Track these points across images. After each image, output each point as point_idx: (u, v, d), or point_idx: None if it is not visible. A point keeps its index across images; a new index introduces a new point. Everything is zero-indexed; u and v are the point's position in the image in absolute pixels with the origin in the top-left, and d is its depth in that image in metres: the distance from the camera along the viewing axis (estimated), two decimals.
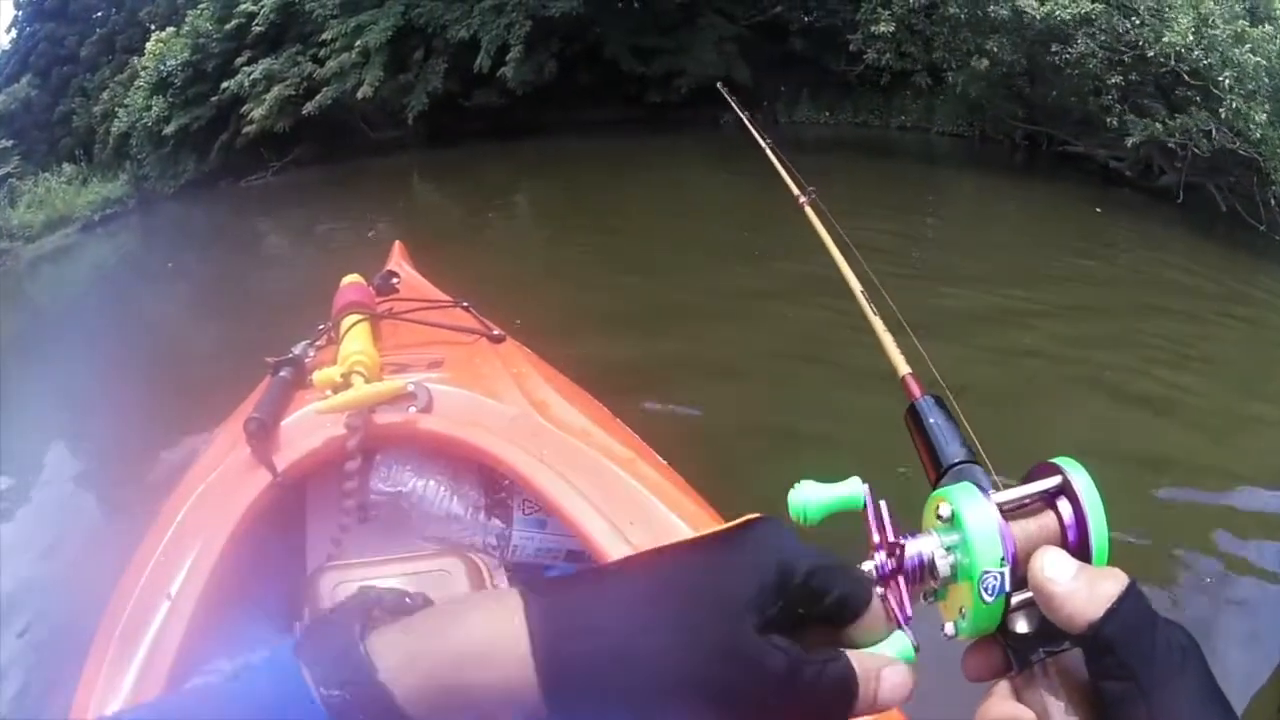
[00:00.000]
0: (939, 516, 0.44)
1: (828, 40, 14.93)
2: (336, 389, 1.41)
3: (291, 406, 1.45)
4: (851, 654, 0.43)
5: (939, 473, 0.55)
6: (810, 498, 0.47)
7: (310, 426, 1.41)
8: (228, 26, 15.05)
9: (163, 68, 15.16)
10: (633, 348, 4.73)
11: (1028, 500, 0.46)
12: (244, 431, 1.36)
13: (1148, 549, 3.00)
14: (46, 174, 15.41)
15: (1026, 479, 0.47)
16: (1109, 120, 9.07)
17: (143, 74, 15.57)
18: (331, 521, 1.41)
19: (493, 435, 1.41)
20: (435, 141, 15.35)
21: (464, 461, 1.48)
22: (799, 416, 4.00)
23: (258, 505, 1.33)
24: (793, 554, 0.43)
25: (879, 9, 11.79)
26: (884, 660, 0.43)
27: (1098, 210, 8.56)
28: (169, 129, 15.15)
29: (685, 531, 1.22)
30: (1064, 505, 0.45)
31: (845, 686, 0.42)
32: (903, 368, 0.76)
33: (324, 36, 14.80)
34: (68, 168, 16.14)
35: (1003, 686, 0.46)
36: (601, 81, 16.06)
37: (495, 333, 1.75)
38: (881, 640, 0.44)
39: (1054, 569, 0.42)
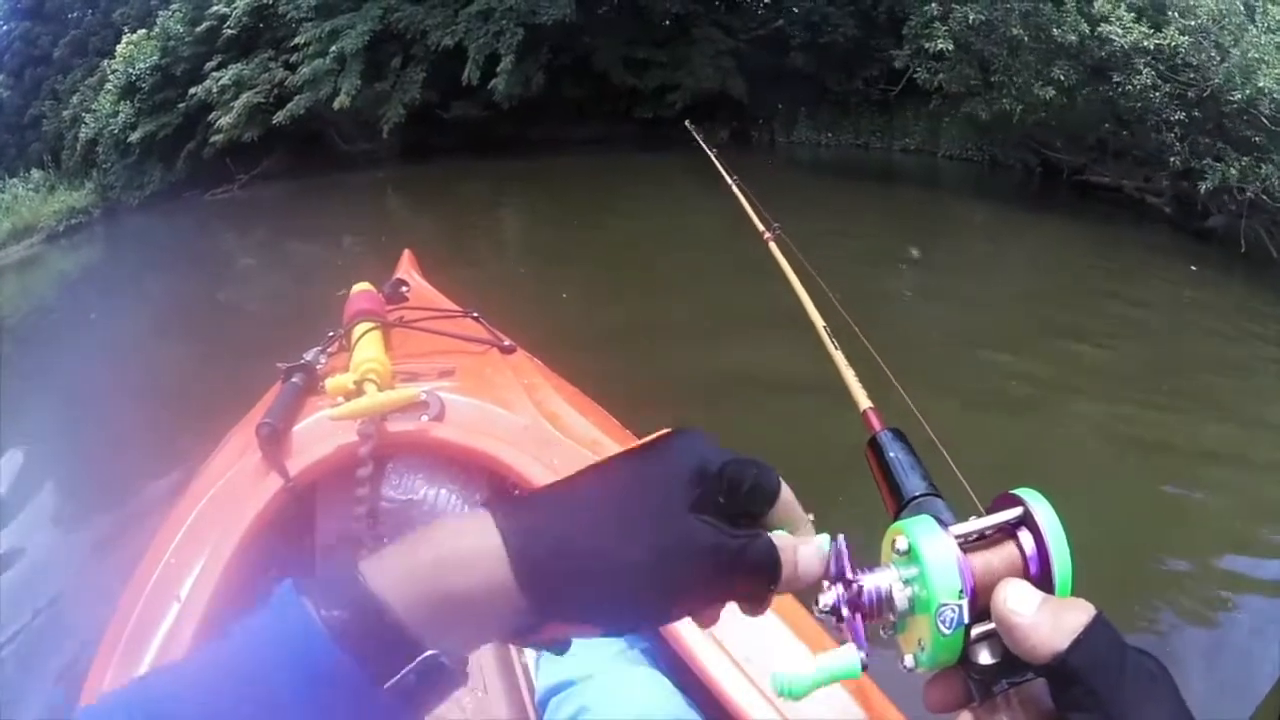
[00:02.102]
0: (896, 550, 0.47)
1: (831, 57, 15.11)
2: (349, 396, 1.48)
3: (303, 412, 1.52)
4: (772, 535, 0.51)
5: (899, 505, 0.58)
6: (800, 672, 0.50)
7: (322, 433, 1.48)
8: (199, 29, 15.02)
9: (131, 71, 15.14)
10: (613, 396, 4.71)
11: (988, 532, 0.48)
12: (256, 436, 1.43)
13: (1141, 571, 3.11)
14: (14, 180, 15.42)
15: (989, 510, 0.49)
16: (1171, 160, 8.90)
17: (111, 77, 15.53)
18: (342, 528, 1.48)
19: (504, 445, 1.48)
20: (410, 156, 15.25)
21: (475, 470, 1.55)
22: (770, 439, 4.02)
23: (269, 510, 1.40)
24: (708, 452, 0.52)
25: (935, 23, 11.05)
26: (800, 540, 0.51)
27: (1193, 268, 8.05)
28: (134, 136, 15.10)
29: None
30: (1025, 536, 0.47)
31: (768, 559, 0.49)
32: (863, 402, 0.81)
33: (297, 40, 14.69)
34: (36, 174, 16.14)
35: (965, 717, 0.47)
36: (589, 95, 16.12)
37: (506, 343, 1.82)
38: (800, 528, 0.52)
39: (1017, 601, 0.44)
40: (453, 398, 1.55)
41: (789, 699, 0.49)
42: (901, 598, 0.46)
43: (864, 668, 0.47)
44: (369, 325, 1.63)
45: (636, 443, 0.54)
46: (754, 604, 0.52)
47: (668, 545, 0.48)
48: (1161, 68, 8.71)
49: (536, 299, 6.51)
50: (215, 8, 14.99)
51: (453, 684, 0.49)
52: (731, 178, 2.07)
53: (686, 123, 3.78)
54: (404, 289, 2.17)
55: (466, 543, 0.48)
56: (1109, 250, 8.70)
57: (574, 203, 11.18)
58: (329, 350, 1.73)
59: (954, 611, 0.44)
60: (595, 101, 16.25)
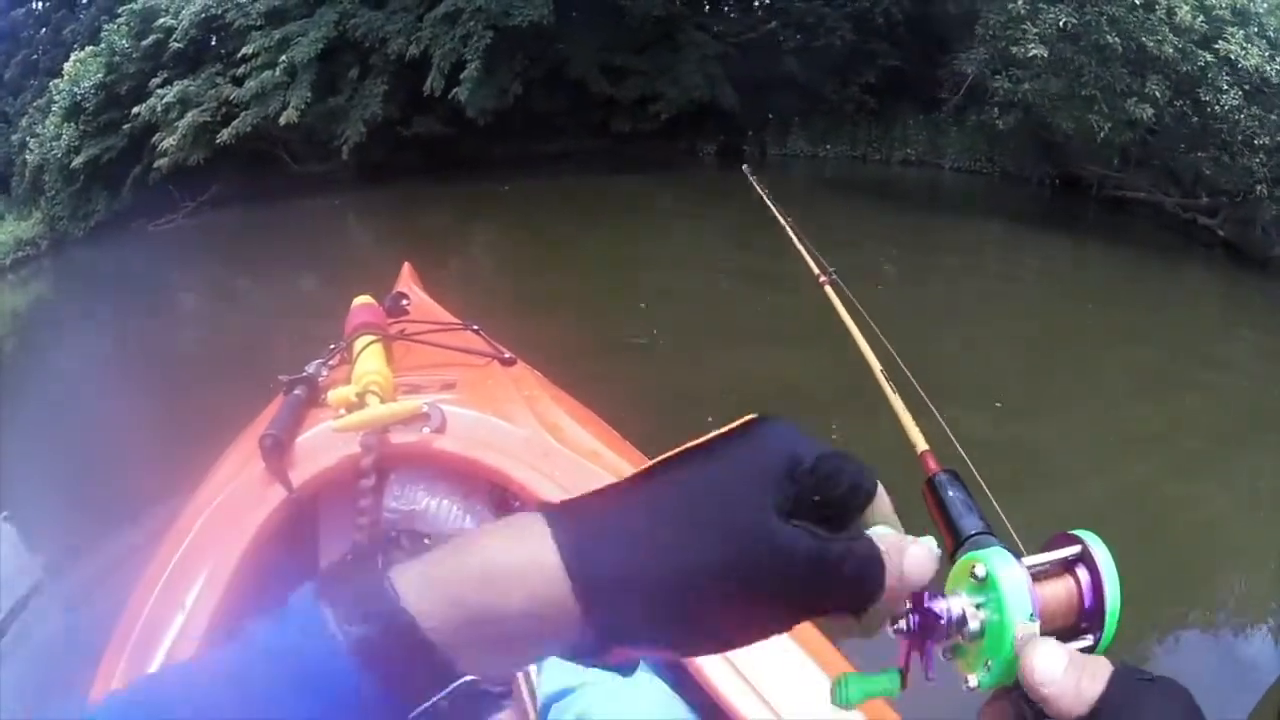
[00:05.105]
0: (974, 576, 0.52)
1: (825, 61, 15.33)
2: (351, 408, 1.62)
3: (306, 424, 1.66)
4: (874, 534, 0.50)
5: (956, 543, 0.64)
6: (851, 687, 0.55)
7: (325, 444, 1.62)
8: (144, 43, 14.74)
9: (76, 91, 14.82)
10: None
11: (1049, 565, 0.54)
12: (259, 447, 1.56)
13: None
14: None
15: (1047, 547, 0.55)
16: (1259, 188, 8.87)
17: (57, 98, 15.17)
18: (344, 538, 1.62)
19: (505, 456, 1.61)
20: (368, 178, 14.85)
21: (476, 481, 1.69)
22: None
23: (272, 521, 1.53)
24: (799, 444, 0.49)
25: (1023, 23, 10.15)
26: (907, 539, 0.50)
27: None
28: (78, 161, 14.69)
29: None
30: (1082, 572, 0.53)
31: (873, 562, 0.47)
32: (920, 444, 0.89)
33: (245, 51, 14.37)
34: None
35: None
36: (562, 108, 16.08)
37: (506, 356, 1.97)
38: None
39: (1043, 671, 0.47)
40: (454, 410, 1.68)
41: (843, 706, 0.53)
42: (974, 621, 0.51)
43: (902, 685, 0.53)
44: (370, 338, 1.77)
45: (715, 432, 0.51)
46: (852, 618, 0.50)
47: (758, 555, 0.46)
48: (1247, 87, 8.65)
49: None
50: (162, 20, 14.75)
51: (490, 709, 0.48)
52: (785, 219, 2.15)
53: (744, 167, 3.70)
54: (404, 302, 2.33)
55: (515, 553, 0.46)
56: (1166, 281, 8.68)
57: (553, 231, 11.10)
58: (330, 363, 1.88)
59: (1024, 632, 0.50)
60: (567, 114, 16.18)
